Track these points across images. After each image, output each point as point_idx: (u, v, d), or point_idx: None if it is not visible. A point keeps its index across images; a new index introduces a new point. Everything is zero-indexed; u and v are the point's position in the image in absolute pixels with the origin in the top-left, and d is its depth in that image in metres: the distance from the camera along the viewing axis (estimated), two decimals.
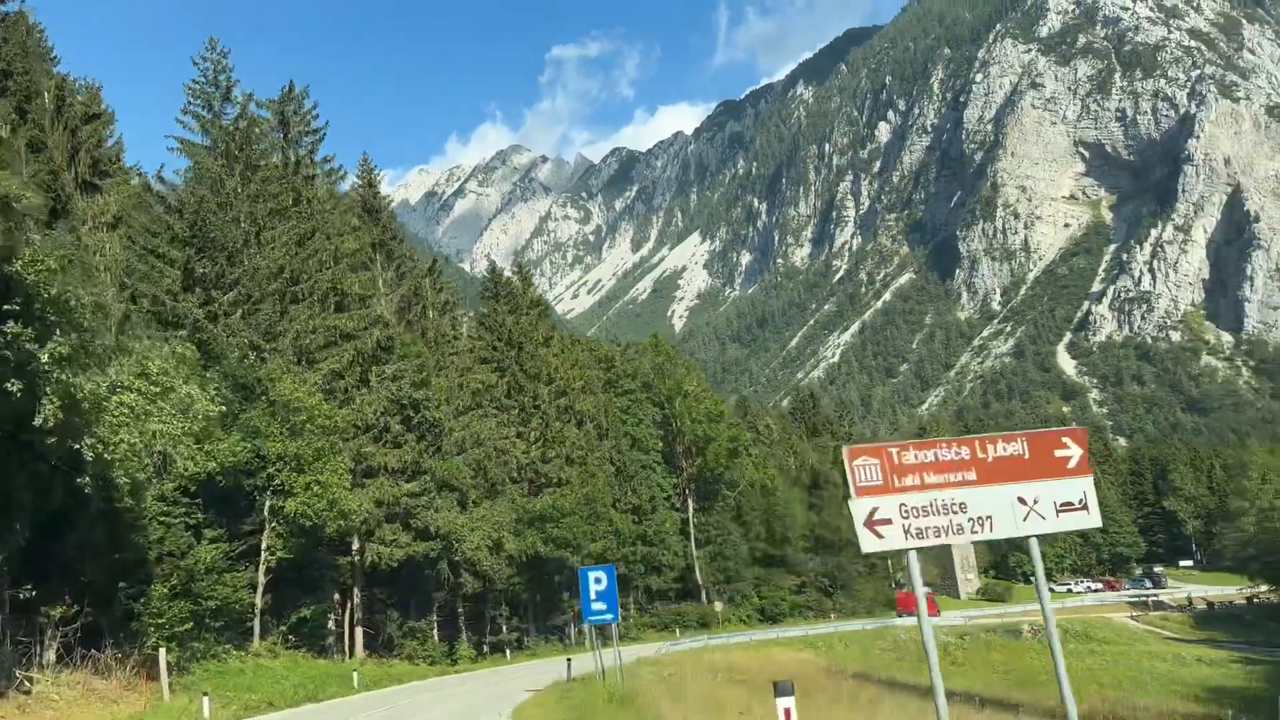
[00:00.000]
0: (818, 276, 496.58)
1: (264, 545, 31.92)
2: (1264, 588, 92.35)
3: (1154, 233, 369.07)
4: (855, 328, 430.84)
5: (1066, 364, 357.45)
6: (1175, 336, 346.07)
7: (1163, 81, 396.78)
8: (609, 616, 24.15)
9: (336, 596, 42.21)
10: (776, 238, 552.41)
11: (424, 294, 51.23)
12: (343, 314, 41.31)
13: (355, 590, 41.30)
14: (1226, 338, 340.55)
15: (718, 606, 68.98)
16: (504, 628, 53.84)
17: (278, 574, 32.83)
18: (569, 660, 36.25)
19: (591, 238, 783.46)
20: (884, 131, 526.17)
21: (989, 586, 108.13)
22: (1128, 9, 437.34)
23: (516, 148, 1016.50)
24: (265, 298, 37.04)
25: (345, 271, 42.90)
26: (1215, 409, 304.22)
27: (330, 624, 39.78)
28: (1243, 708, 32.08)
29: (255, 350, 35.36)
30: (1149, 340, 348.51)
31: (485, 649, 52.28)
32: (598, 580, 23.77)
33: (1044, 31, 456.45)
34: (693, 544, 71.76)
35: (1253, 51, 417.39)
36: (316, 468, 32.52)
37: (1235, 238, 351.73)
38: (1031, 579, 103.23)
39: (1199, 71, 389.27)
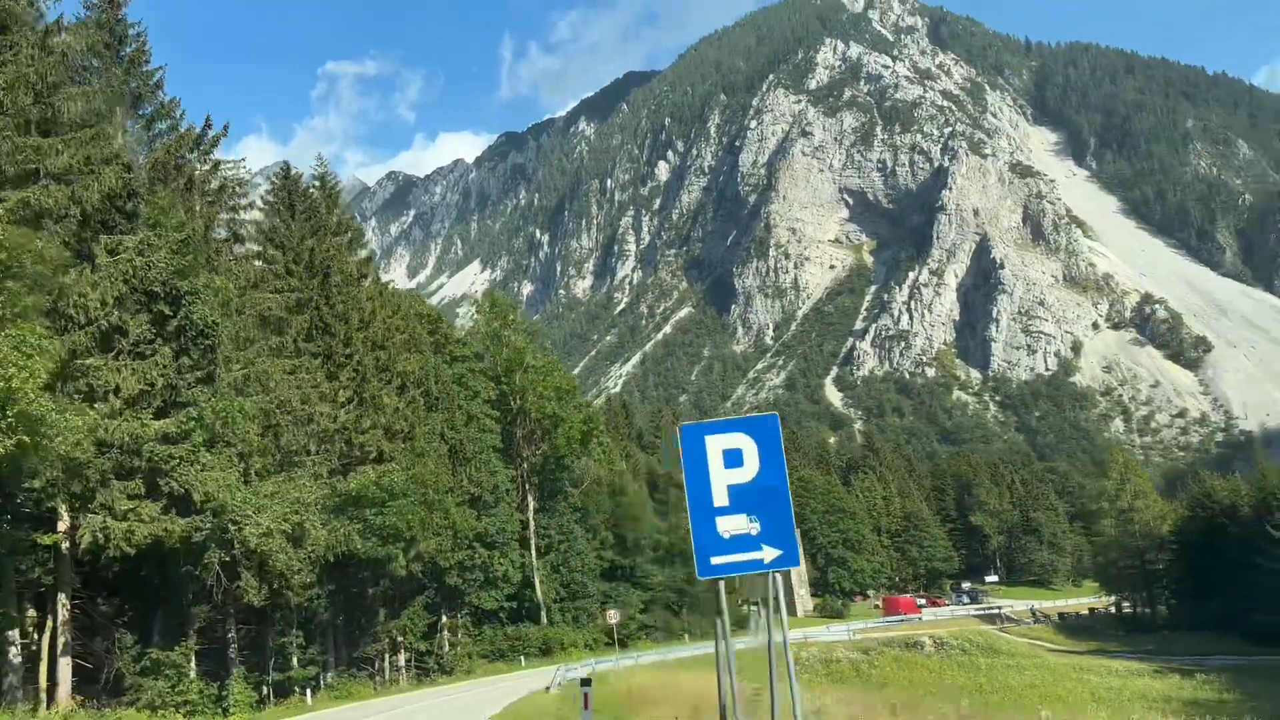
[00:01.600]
0: (600, 308, 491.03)
1: None
2: (1108, 599, 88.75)
3: (911, 276, 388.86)
4: (637, 359, 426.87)
5: (834, 396, 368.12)
6: (930, 372, 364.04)
7: (919, 136, 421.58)
8: (785, 561, 9.31)
9: (31, 611, 25.31)
10: (559, 269, 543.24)
11: (188, 169, 34.26)
12: (52, 138, 24.47)
13: (61, 595, 24.22)
14: (975, 374, 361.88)
15: (612, 617, 54.31)
16: (295, 660, 37.09)
17: None
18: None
19: None
20: (664, 170, 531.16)
21: (827, 603, 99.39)
22: (888, 68, 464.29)
23: (283, 164, 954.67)
24: None
25: (64, 86, 26.00)
26: (966, 439, 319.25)
27: (13, 652, 22.84)
28: None
29: None
30: (907, 375, 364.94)
31: (268, 691, 35.33)
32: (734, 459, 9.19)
33: (813, 84, 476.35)
34: (533, 551, 57.00)
35: (995, 116, 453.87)
36: None
37: (983, 283, 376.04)
38: (857, 596, 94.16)
39: (951, 129, 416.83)
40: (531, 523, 57.25)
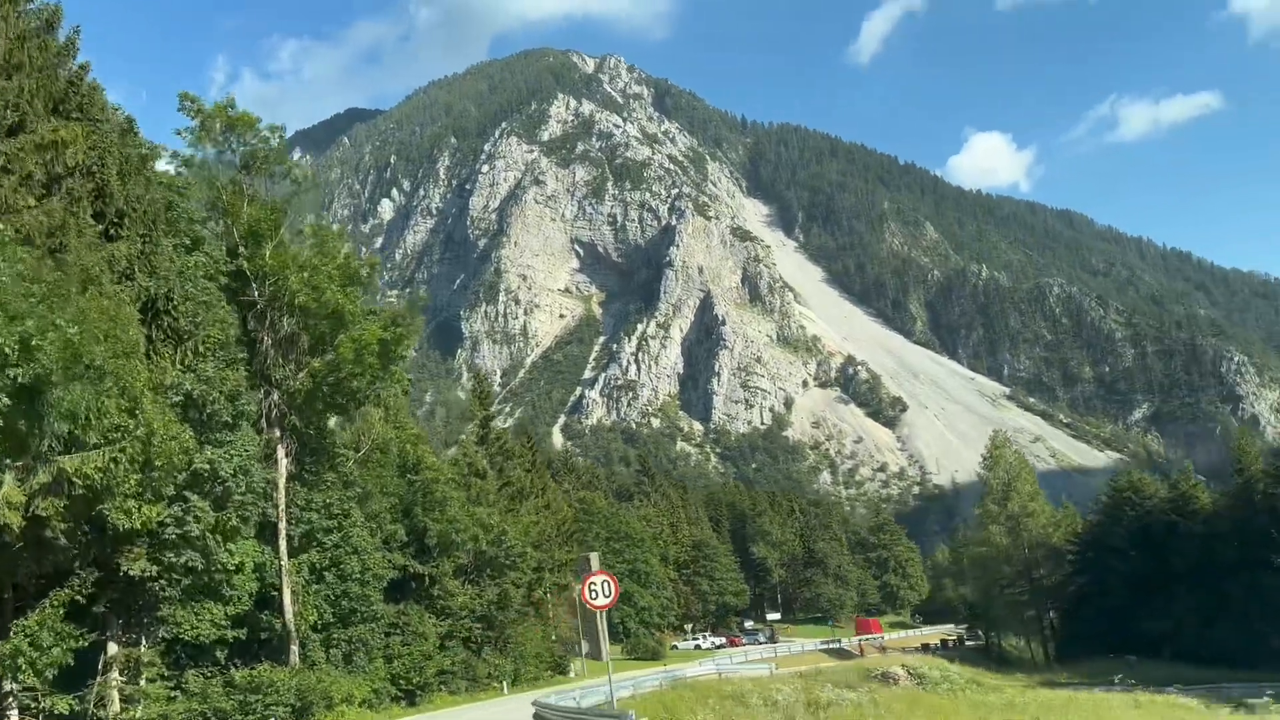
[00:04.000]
0: None
1: None
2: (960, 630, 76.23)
3: (640, 328, 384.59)
4: None
5: (559, 443, 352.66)
6: (655, 423, 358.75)
7: (648, 194, 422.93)
8: None
9: None
10: None
11: None
12: None
13: None
14: (698, 426, 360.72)
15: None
16: None
17: None
18: None
19: None
20: (387, 209, 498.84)
21: (640, 643, 79.29)
22: (619, 127, 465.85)
23: None
24: None
25: None
26: (691, 490, 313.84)
27: None
28: None
29: None
30: (633, 425, 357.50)
31: None
32: None
33: (546, 135, 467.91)
34: (282, 543, 32.85)
35: (714, 184, 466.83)
36: None
37: (706, 338, 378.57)
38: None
39: (678, 190, 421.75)
40: (281, 496, 33.13)
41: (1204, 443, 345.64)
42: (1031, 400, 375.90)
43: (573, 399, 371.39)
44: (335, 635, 34.99)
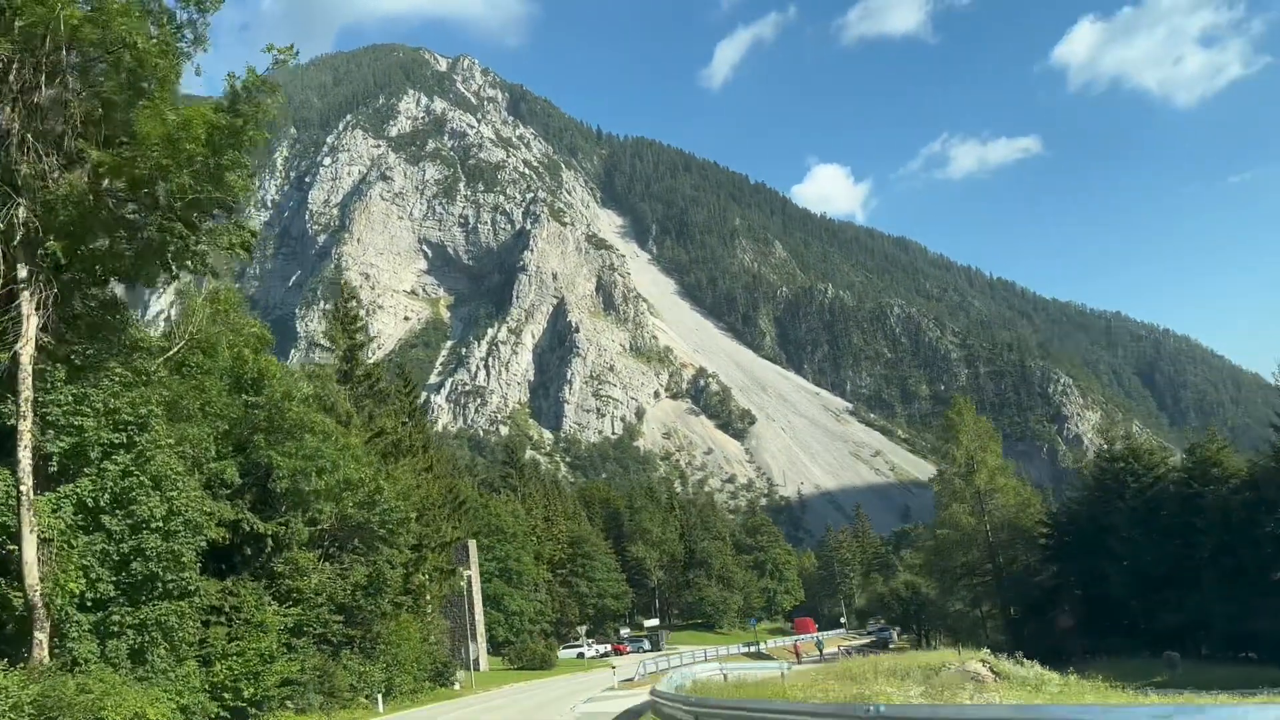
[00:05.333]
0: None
1: None
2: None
3: (490, 332, 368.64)
4: None
5: None
6: (504, 430, 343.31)
7: (502, 197, 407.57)
8: None
9: None
10: None
11: None
12: None
13: None
14: (548, 434, 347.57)
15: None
16: None
17: None
18: None
19: None
20: None
21: (527, 649, 66.22)
22: (473, 127, 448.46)
23: None
24: None
25: None
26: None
27: None
28: None
29: None
30: (481, 433, 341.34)
31: None
32: None
33: (395, 131, 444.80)
34: (23, 459, 19.05)
35: (569, 193, 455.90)
36: None
37: (558, 345, 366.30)
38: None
39: (533, 194, 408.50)
40: (27, 379, 19.41)
41: (1032, 460, 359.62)
42: (872, 416, 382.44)
43: (419, 404, 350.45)
44: (118, 618, 21.16)
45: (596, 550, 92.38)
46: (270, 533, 28.07)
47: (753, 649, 69.53)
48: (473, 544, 60.43)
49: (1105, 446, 60.72)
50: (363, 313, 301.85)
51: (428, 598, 42.61)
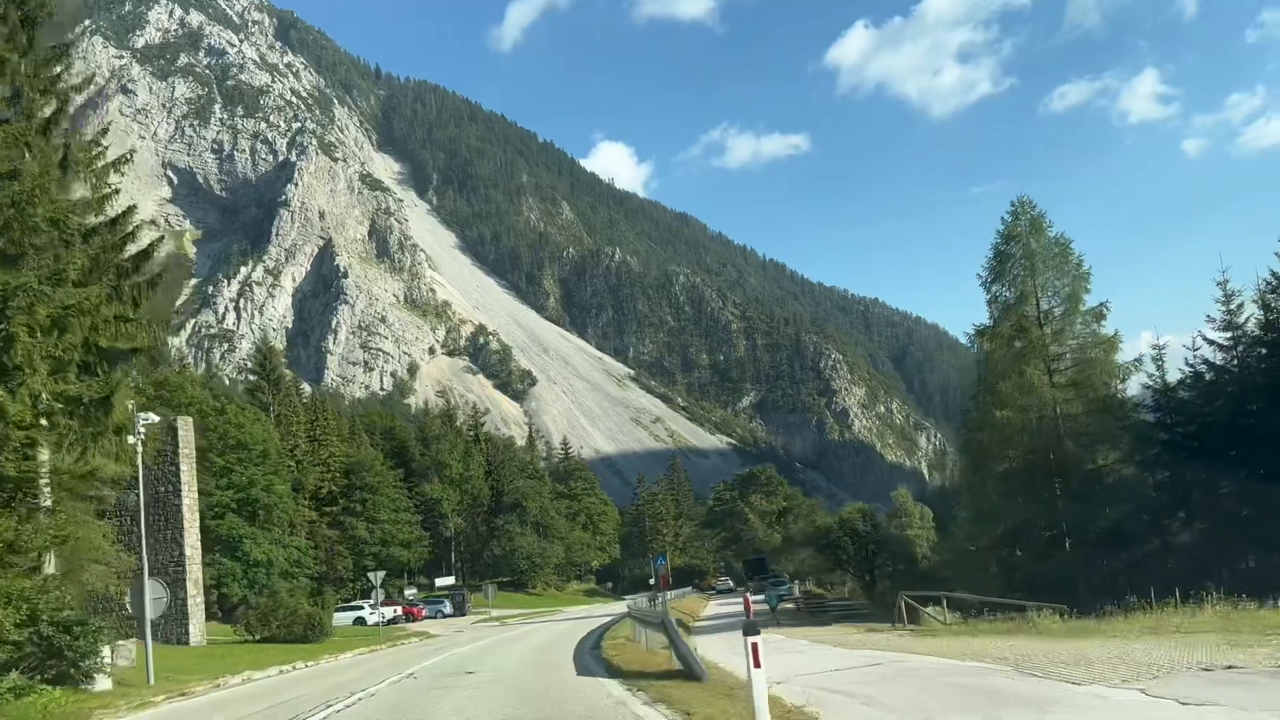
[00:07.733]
0: None
1: None
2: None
3: (244, 272, 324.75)
4: None
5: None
6: (254, 379, 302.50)
7: (265, 124, 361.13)
8: None
9: None
10: None
11: None
12: None
13: None
14: (307, 387, 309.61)
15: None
16: None
17: None
18: None
19: None
20: None
21: (277, 612, 41.90)
22: (234, 46, 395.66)
23: None
24: None
25: None
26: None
27: None
28: None
29: None
30: (227, 380, 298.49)
31: None
32: None
33: (141, 42, 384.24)
34: None
35: (343, 131, 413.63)
36: None
37: (323, 290, 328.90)
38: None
39: (300, 125, 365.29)
40: None
41: (801, 432, 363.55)
42: (653, 383, 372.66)
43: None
44: None
45: (382, 482, 68.53)
46: None
47: (657, 601, 48.73)
48: (185, 421, 36.27)
49: None
50: None
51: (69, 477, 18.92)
